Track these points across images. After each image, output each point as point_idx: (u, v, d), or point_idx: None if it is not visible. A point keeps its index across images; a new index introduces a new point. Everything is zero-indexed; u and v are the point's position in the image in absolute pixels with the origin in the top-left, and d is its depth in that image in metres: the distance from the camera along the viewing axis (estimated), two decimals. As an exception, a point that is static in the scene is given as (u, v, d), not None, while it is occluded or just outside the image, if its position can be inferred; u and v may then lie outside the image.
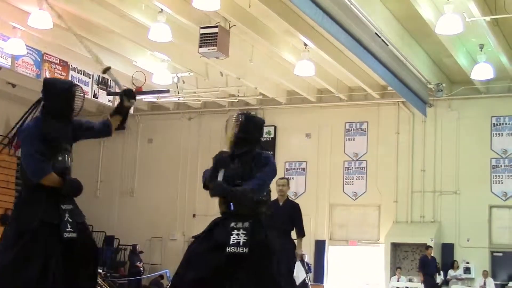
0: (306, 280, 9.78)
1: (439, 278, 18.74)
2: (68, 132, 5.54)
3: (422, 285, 18.56)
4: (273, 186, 9.48)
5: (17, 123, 5.49)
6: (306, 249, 21.14)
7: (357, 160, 21.77)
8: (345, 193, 21.75)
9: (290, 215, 9.82)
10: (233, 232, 5.28)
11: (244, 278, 5.15)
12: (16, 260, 5.00)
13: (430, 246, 18.63)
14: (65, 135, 5.51)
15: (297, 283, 9.94)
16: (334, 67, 18.61)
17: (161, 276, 21.48)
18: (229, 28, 15.40)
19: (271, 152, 22.69)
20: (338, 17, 13.73)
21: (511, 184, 19.80)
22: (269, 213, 5.64)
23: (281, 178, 10.01)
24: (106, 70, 6.12)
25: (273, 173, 5.63)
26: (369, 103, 21.59)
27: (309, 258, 21.16)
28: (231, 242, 5.23)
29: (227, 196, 5.46)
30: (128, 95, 5.85)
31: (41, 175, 5.22)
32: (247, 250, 5.18)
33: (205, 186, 5.68)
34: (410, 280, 19.81)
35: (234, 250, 5.20)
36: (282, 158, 22.64)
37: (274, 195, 9.78)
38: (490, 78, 18.44)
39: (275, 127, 22.95)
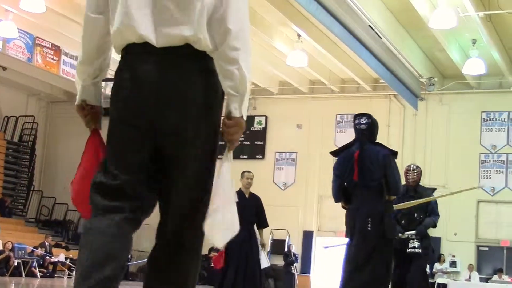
0: (265, 263, 10.09)
1: (425, 271, 18.82)
2: None
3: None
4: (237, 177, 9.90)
5: None
6: (294, 240, 21.25)
7: (349, 152, 21.79)
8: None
9: (256, 207, 10.13)
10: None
11: None
12: None
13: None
14: None
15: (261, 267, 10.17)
16: (327, 59, 18.61)
17: (149, 263, 21.48)
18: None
19: (262, 142, 22.75)
20: (332, 8, 13.74)
21: (499, 180, 19.91)
22: None
23: (249, 172, 10.41)
24: None
25: None
26: (361, 95, 21.62)
27: (296, 248, 21.25)
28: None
29: None
30: None
31: None
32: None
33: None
34: (396, 272, 19.91)
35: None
36: (272, 148, 22.69)
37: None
38: (481, 74, 18.50)
39: (266, 117, 22.97)
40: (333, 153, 6.79)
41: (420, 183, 9.05)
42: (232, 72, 2.58)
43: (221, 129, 2.70)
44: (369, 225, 6.24)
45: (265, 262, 10.02)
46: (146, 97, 2.57)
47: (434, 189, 8.96)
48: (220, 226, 2.67)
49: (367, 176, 6.30)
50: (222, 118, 2.68)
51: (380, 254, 6.32)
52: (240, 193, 9.90)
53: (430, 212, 8.53)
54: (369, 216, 6.27)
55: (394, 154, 6.59)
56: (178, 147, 2.60)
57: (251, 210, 9.92)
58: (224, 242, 2.75)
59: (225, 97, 2.71)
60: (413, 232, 8.19)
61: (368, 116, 6.52)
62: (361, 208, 6.35)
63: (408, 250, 8.15)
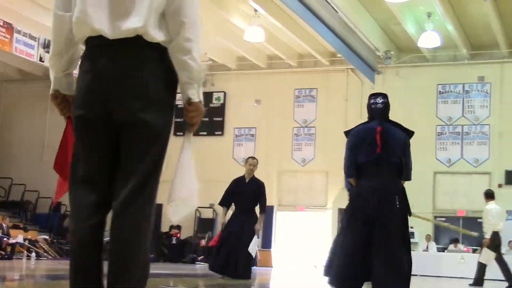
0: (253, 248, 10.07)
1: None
2: None
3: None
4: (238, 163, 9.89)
5: None
6: (255, 215, 21.32)
7: (306, 127, 21.93)
8: (294, 160, 21.94)
9: (254, 192, 10.17)
10: None
11: None
12: None
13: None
14: None
15: (253, 256, 10.18)
16: (284, 34, 18.60)
17: (110, 242, 21.40)
18: (179, -8, 15.20)
19: (220, 119, 22.71)
20: (288, -17, 13.70)
21: (455, 151, 20.24)
22: None
23: (253, 158, 10.55)
24: None
25: None
26: (318, 69, 21.69)
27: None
28: None
29: None
30: None
31: None
32: None
33: None
34: (356, 245, 20.16)
35: None
36: (231, 124, 22.67)
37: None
38: (437, 46, 18.71)
39: (225, 93, 22.92)
40: (347, 133, 6.54)
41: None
42: (188, 63, 2.79)
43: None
44: (397, 202, 5.99)
45: (252, 248, 9.97)
46: (102, 88, 2.77)
47: None
48: (177, 202, 2.89)
49: (390, 151, 6.09)
50: (183, 104, 2.88)
51: (407, 231, 6.17)
52: (240, 179, 10.30)
53: None
54: (396, 193, 6.03)
55: (410, 135, 6.38)
56: (135, 134, 2.79)
57: (248, 196, 10.10)
58: (179, 218, 2.91)
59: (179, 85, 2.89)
60: None
61: (384, 95, 6.40)
62: (383, 184, 6.07)
63: None
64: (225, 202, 10.50)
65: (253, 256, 10.25)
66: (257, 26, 17.41)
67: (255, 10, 16.81)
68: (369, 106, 6.40)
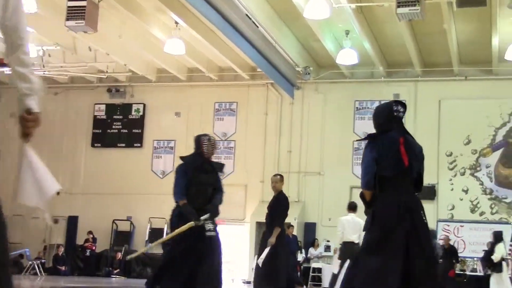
0: None
1: (300, 256, 19.32)
2: None
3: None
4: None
5: None
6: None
7: (225, 140, 21.97)
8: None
9: (271, 207, 10.26)
10: None
11: None
12: None
13: (291, 225, 19.13)
14: None
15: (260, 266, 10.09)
16: (205, 47, 18.61)
17: (21, 255, 20.81)
18: (98, 2, 15.02)
19: (139, 131, 22.49)
20: (209, -4, 13.74)
21: (371, 166, 20.64)
22: None
23: (274, 175, 10.67)
24: None
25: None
26: (239, 83, 21.80)
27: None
28: None
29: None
30: None
31: None
32: None
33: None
34: (274, 258, 20.26)
35: None
36: (150, 136, 22.48)
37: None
38: (354, 64, 19.13)
39: (144, 105, 22.72)
40: (372, 138, 5.89)
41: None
42: (27, 75, 2.94)
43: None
44: (424, 218, 5.45)
45: (262, 257, 9.89)
46: None
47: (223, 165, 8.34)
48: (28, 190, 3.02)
49: (414, 164, 5.56)
50: (19, 114, 3.00)
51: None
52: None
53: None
54: (422, 208, 5.49)
55: None
56: None
57: (270, 210, 10.23)
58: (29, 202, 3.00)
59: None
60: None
61: (404, 104, 5.89)
62: (411, 198, 5.53)
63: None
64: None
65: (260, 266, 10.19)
66: (178, 38, 17.37)
67: (176, 23, 16.76)
68: (390, 114, 5.77)
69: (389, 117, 5.76)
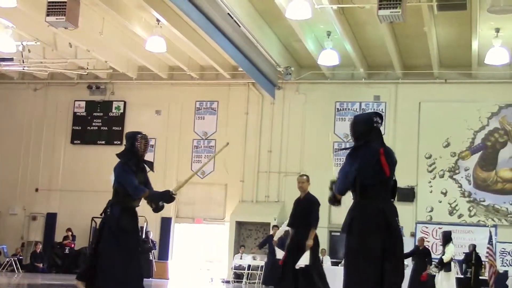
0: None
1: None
2: None
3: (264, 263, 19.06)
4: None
5: None
6: (152, 227, 21.10)
7: (206, 139, 21.94)
8: (193, 171, 21.82)
9: (304, 209, 10.06)
10: None
11: None
12: None
13: (276, 226, 19.12)
14: None
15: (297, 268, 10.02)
16: (186, 45, 18.57)
17: (-2, 252, 20.68)
18: (79, -2, 14.92)
19: (120, 128, 22.38)
20: (191, -6, 13.71)
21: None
22: None
23: (301, 176, 10.50)
24: None
25: None
26: (220, 82, 21.78)
27: (154, 235, 21.14)
28: None
29: None
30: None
31: None
32: None
33: None
34: (253, 258, 20.29)
35: None
36: (130, 134, 22.36)
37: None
38: (335, 65, 19.18)
39: (125, 103, 22.63)
40: (353, 150, 6.06)
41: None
42: None
43: None
44: (398, 224, 5.77)
45: (303, 260, 9.78)
46: None
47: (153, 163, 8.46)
48: None
49: (392, 173, 5.83)
50: None
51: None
52: (297, 198, 10.25)
53: None
54: (397, 215, 5.78)
55: None
56: None
57: (301, 212, 10.03)
58: None
59: None
60: None
61: (382, 116, 6.19)
62: (388, 206, 5.80)
63: None
64: (288, 224, 10.49)
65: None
66: (159, 36, 17.31)
67: (157, 20, 16.70)
68: (370, 126, 5.98)
69: (370, 127, 6.00)
